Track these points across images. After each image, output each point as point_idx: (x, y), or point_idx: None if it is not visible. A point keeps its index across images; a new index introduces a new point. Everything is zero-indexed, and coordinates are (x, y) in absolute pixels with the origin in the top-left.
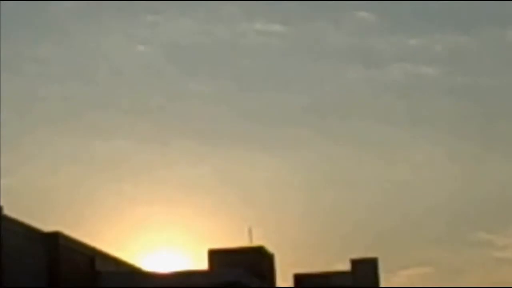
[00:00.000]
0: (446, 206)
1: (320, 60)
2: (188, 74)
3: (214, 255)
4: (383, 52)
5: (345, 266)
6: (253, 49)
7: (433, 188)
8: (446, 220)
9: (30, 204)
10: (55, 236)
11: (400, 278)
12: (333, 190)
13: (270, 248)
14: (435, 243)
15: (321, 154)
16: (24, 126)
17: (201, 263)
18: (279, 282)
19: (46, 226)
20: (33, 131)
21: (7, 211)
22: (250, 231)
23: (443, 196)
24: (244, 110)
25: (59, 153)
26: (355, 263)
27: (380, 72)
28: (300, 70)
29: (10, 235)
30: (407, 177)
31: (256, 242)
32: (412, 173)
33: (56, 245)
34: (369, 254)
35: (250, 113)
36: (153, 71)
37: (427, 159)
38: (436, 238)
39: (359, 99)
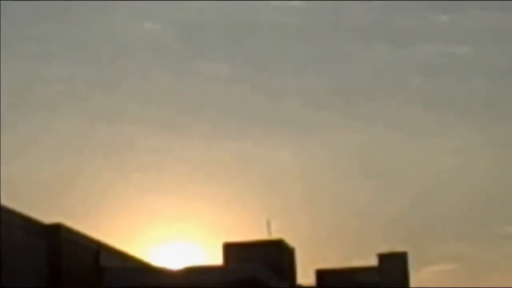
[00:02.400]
0: (478, 196)
1: (343, 38)
2: (200, 53)
3: (230, 249)
4: (411, 30)
5: (372, 261)
6: (271, 26)
7: (466, 177)
8: (477, 212)
9: (30, 194)
10: (57, 229)
11: (426, 274)
12: (359, 178)
13: (290, 241)
14: (464, 237)
15: (346, 139)
16: (23, 109)
17: (216, 258)
18: (300, 278)
19: (47, 217)
20: (33, 115)
21: (5, 202)
22: (268, 223)
23: (476, 186)
24: (262, 92)
25: (61, 139)
26: (382, 258)
27: (409, 51)
28: (322, 49)
29: (8, 227)
30: (439, 165)
31: (275, 235)
32: (445, 160)
33: (58, 238)
34: (394, 248)
35: (268, 95)
36: (162, 50)
37: (460, 145)
38: (466, 231)
39: (386, 81)
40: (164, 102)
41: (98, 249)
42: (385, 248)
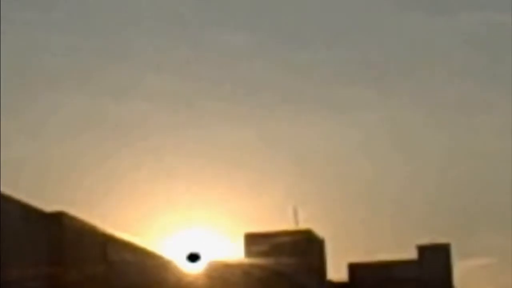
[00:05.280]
0: None
1: (378, 7)
2: (219, 22)
3: (252, 240)
4: None
5: (411, 254)
6: None
7: None
8: None
9: (29, 179)
10: (59, 217)
11: (471, 268)
12: (396, 161)
13: (319, 232)
14: (505, 229)
15: (382, 118)
16: (23, 85)
17: (237, 250)
18: (330, 272)
19: (49, 205)
20: (33, 91)
21: (2, 188)
22: (295, 211)
23: None
24: (289, 66)
25: (63, 117)
26: (422, 250)
27: (449, 20)
28: (353, 19)
29: (6, 215)
30: (485, 146)
31: (302, 225)
32: (492, 141)
33: (60, 228)
34: (436, 240)
35: (295, 69)
36: (176, 19)
37: (509, 124)
38: (507, 222)
39: (426, 53)
40: (179, 76)
41: (105, 240)
42: (426, 240)
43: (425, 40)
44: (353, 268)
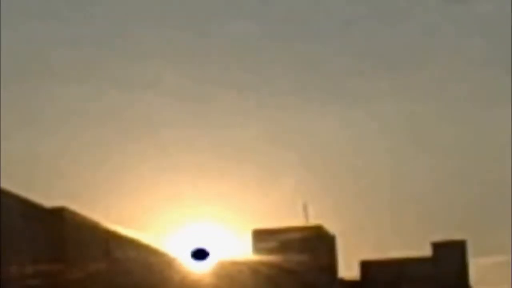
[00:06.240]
0: None
1: None
2: (226, 10)
3: (260, 236)
4: None
5: (425, 251)
6: None
7: None
8: None
9: (29, 173)
10: (60, 213)
11: (487, 266)
12: (411, 155)
13: (330, 228)
14: None
15: (396, 110)
16: (22, 76)
17: (244, 246)
18: (341, 270)
19: (49, 200)
20: (33, 82)
21: (2, 183)
22: (305, 207)
23: None
24: (300, 57)
25: (66, 110)
26: (437, 247)
27: (465, 8)
28: (367, 7)
29: (6, 211)
30: (504, 139)
31: (313, 221)
32: (510, 134)
33: (61, 224)
34: (452, 237)
35: (307, 61)
36: (182, 7)
37: None
38: None
39: (441, 42)
40: (185, 66)
41: (107, 237)
42: (441, 236)
43: (440, 28)
44: (365, 266)
